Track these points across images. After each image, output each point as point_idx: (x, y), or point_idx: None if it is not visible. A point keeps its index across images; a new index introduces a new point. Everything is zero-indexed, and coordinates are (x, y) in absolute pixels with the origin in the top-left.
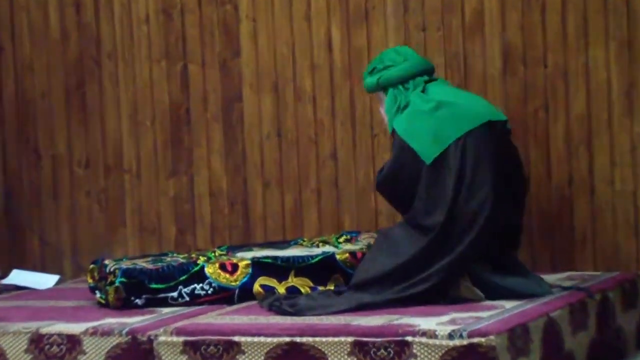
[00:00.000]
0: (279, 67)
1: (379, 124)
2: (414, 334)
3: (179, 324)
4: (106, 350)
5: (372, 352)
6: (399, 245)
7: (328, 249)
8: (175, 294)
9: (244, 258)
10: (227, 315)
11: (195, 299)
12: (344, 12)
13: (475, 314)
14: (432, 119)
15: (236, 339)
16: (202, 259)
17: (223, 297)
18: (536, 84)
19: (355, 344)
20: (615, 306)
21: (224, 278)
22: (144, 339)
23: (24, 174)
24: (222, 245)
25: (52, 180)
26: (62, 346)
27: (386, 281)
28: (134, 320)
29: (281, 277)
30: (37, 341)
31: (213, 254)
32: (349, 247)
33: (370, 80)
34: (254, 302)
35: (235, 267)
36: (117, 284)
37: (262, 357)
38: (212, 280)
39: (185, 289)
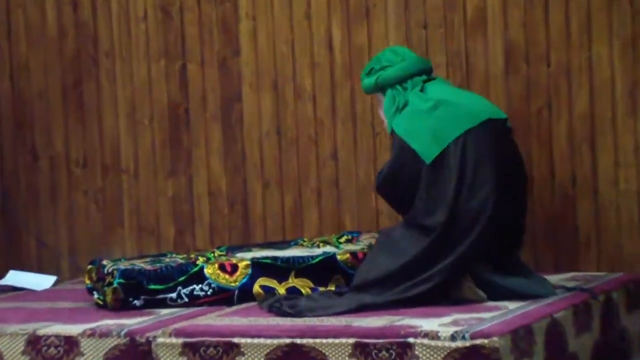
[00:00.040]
0: (279, 65)
1: (380, 123)
2: (416, 335)
3: (178, 325)
4: (104, 351)
5: (373, 354)
6: (401, 245)
7: (329, 249)
8: (174, 295)
9: (243, 258)
10: (227, 316)
11: (194, 300)
12: (344, 10)
13: (477, 315)
14: (431, 118)
15: (236, 340)
16: (201, 259)
17: (222, 298)
18: (539, 82)
19: (356, 346)
20: (619, 307)
21: (224, 279)
22: (143, 340)
23: (21, 174)
24: (222, 246)
25: (49, 180)
26: (59, 348)
27: (388, 282)
28: (132, 322)
29: (281, 277)
30: (34, 343)
31: (212, 254)
32: (349, 247)
33: (368, 81)
34: (253, 303)
35: (234, 267)
36: (115, 284)
37: (262, 359)
38: (211, 281)
39: (184, 290)
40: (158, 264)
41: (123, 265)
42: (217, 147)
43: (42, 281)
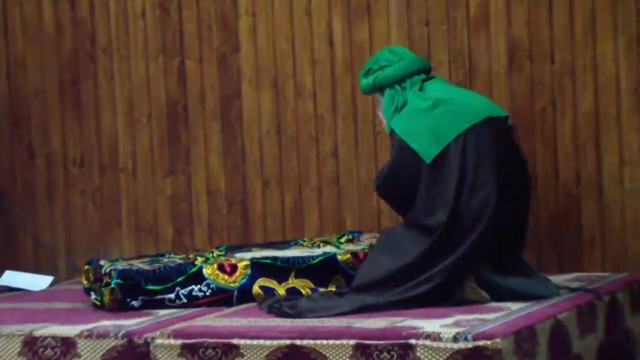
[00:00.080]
0: (279, 62)
1: (380, 122)
2: (417, 336)
3: (177, 326)
4: (101, 353)
5: (374, 355)
6: (402, 246)
7: (329, 249)
8: (172, 296)
9: (243, 259)
10: (226, 317)
11: (193, 301)
12: (345, 6)
13: (480, 316)
14: (430, 117)
15: (235, 341)
16: (200, 259)
17: (221, 298)
18: (543, 80)
19: (357, 347)
20: (624, 308)
21: (223, 279)
22: (141, 341)
23: (17, 173)
24: (221, 246)
25: (46, 179)
26: (56, 349)
27: (389, 283)
28: (130, 323)
29: (281, 278)
30: (30, 344)
31: (211, 254)
32: (350, 247)
33: (366, 81)
34: (253, 304)
35: (234, 268)
36: (112, 285)
37: None
38: (210, 282)
39: (183, 291)
40: (156, 264)
41: (121, 265)
42: (216, 145)
43: (38, 281)
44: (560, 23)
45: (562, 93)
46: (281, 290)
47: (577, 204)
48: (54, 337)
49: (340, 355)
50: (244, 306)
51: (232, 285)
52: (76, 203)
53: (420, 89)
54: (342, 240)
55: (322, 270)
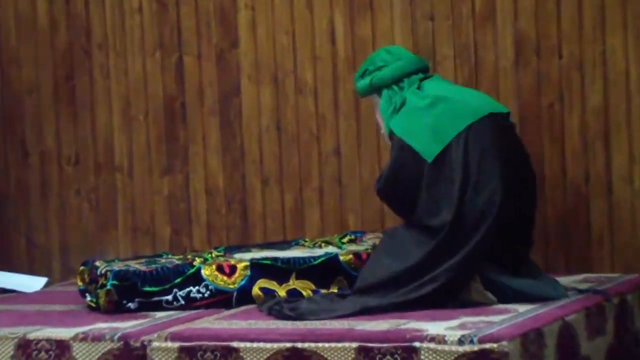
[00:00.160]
0: (279, 58)
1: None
2: (421, 339)
3: (174, 328)
4: (97, 356)
5: (377, 358)
6: (405, 247)
7: (331, 249)
8: (170, 298)
9: (242, 259)
10: (225, 319)
11: (191, 303)
12: (347, 0)
13: (486, 318)
14: (430, 116)
15: (234, 344)
16: (198, 260)
17: (220, 300)
18: (550, 75)
19: (359, 350)
20: (634, 309)
21: (222, 280)
22: (137, 344)
23: (11, 171)
24: (220, 246)
25: (40, 178)
26: (50, 352)
27: (392, 284)
28: (126, 325)
29: (282, 279)
30: (24, 347)
31: (210, 255)
32: (353, 247)
33: (363, 82)
34: (253, 306)
35: (233, 269)
36: (108, 286)
37: None
38: (208, 283)
39: (181, 292)
40: (153, 265)
41: (117, 266)
42: (215, 143)
43: (32, 283)
44: (568, 16)
45: (570, 88)
46: (282, 292)
47: (585, 203)
48: (48, 340)
49: (343, 358)
50: (243, 308)
51: (231, 286)
52: (71, 202)
53: (419, 88)
54: (345, 240)
55: (324, 272)
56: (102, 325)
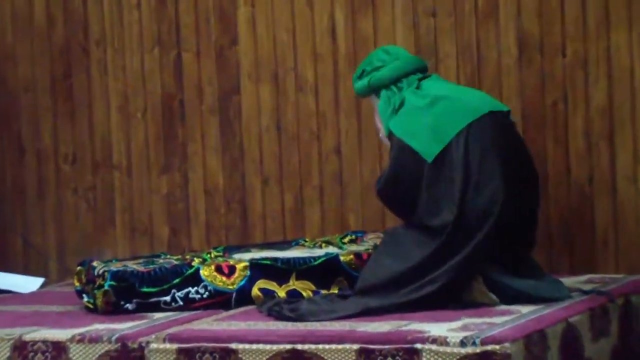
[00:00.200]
0: (279, 55)
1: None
2: (423, 340)
3: (172, 330)
4: (94, 358)
5: None
6: (406, 247)
7: (331, 250)
8: (168, 298)
9: (241, 260)
10: (224, 320)
11: (189, 304)
12: None
13: (489, 319)
14: (429, 115)
15: (233, 346)
16: (196, 260)
17: (219, 301)
18: (554, 74)
19: (360, 352)
20: (638, 310)
21: (221, 281)
22: (135, 346)
23: (7, 170)
24: (219, 246)
25: (37, 177)
26: (47, 354)
27: (393, 285)
28: (124, 327)
29: (281, 280)
30: (20, 348)
31: (209, 255)
32: (354, 248)
33: (361, 83)
34: (252, 307)
35: (232, 269)
36: (106, 287)
37: None
38: (207, 284)
39: (179, 293)
40: (151, 266)
41: (114, 266)
42: (214, 141)
43: (28, 283)
44: (572, 13)
45: (574, 87)
46: (281, 293)
47: (589, 203)
48: (44, 342)
49: None
50: (242, 309)
51: (230, 287)
52: (68, 202)
53: (418, 88)
54: (345, 240)
55: (324, 272)
56: (100, 327)
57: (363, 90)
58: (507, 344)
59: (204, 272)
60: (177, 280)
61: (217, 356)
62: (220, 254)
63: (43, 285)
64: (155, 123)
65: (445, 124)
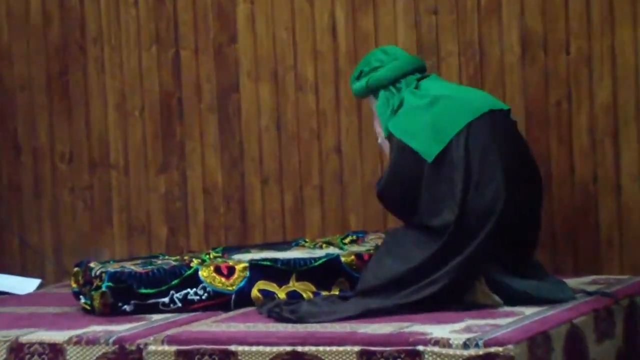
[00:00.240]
0: (279, 53)
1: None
2: (425, 342)
3: (171, 331)
4: None
5: None
6: (408, 248)
7: (332, 250)
8: (166, 300)
9: (241, 260)
10: (223, 322)
11: (188, 305)
12: None
13: (492, 321)
14: (429, 115)
15: (233, 348)
16: (195, 261)
17: (218, 302)
18: (558, 72)
19: (361, 354)
20: None
21: (220, 282)
22: (133, 348)
23: (3, 169)
24: (218, 247)
25: (33, 176)
26: (43, 356)
27: (395, 286)
28: (121, 328)
29: (281, 281)
30: (16, 350)
31: (207, 256)
32: (354, 248)
33: (359, 84)
34: (252, 308)
35: (231, 270)
36: (103, 288)
37: None
38: (206, 285)
39: (178, 294)
40: (149, 267)
41: (112, 267)
42: (213, 140)
43: (25, 284)
44: (576, 10)
45: (578, 85)
46: (281, 294)
47: (594, 202)
48: (41, 344)
49: None
50: (242, 311)
51: (229, 288)
52: (65, 201)
53: (416, 88)
54: (346, 241)
55: (325, 273)
56: (97, 328)
57: (361, 91)
58: (510, 346)
59: (202, 273)
60: (175, 282)
61: (217, 358)
62: (220, 254)
63: (40, 287)
64: (153, 121)
65: (445, 123)
